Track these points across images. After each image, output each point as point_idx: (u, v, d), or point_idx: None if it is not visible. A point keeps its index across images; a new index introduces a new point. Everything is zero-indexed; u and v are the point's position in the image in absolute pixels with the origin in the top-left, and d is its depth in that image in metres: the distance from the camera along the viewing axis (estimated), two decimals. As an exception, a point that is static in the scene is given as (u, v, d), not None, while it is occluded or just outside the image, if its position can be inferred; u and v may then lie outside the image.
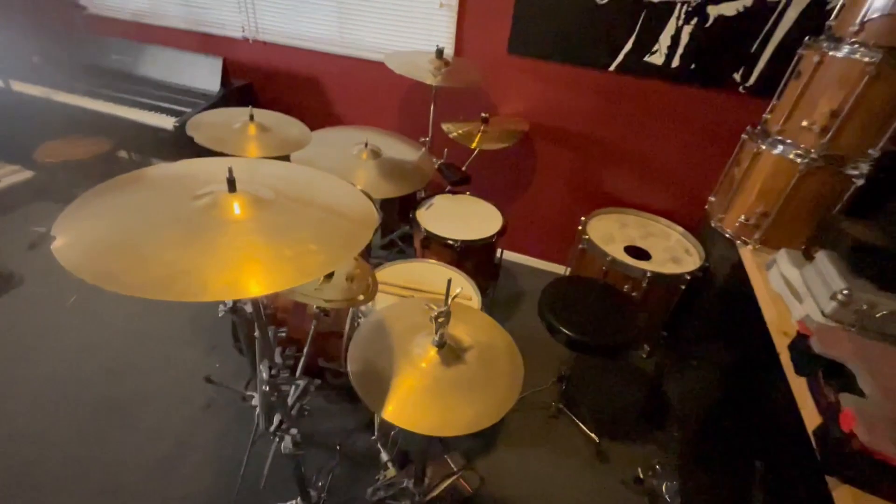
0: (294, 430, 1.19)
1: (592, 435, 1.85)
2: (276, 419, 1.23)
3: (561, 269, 2.73)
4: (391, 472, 1.53)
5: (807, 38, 1.62)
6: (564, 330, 1.56)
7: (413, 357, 1.00)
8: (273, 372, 1.11)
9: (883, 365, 1.13)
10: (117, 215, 0.78)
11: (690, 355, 2.05)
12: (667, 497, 1.62)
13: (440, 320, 0.96)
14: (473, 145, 2.11)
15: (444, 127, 2.18)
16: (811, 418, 1.05)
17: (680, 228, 2.23)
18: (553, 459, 1.79)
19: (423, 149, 2.10)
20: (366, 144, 1.84)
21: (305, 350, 1.45)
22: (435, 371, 0.97)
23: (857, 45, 1.43)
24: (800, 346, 1.18)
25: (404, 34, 2.37)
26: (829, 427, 0.99)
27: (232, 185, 0.80)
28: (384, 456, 1.57)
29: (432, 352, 0.99)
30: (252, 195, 0.82)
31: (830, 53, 1.49)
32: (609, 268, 1.99)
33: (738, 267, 1.77)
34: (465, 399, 0.94)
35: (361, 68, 2.53)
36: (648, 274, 1.90)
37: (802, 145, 1.59)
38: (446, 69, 2.00)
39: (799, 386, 1.14)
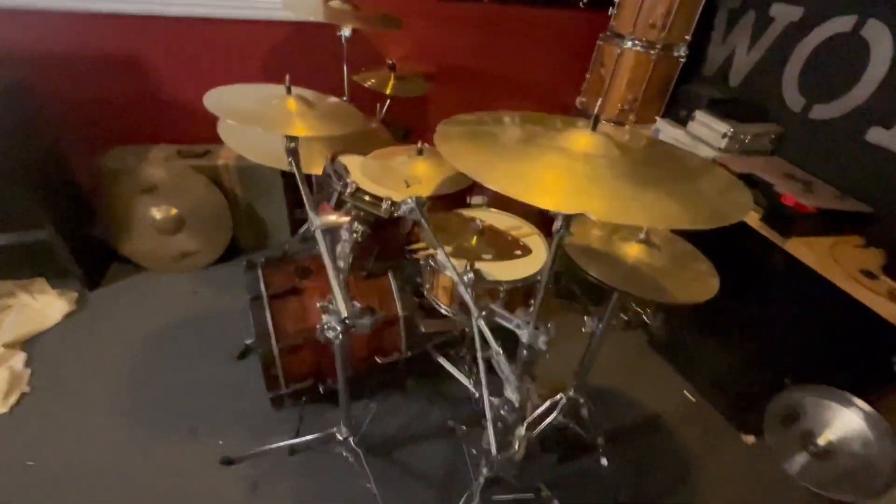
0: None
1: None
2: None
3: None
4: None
5: (629, -43, 2.13)
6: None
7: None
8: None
9: (768, 166, 1.81)
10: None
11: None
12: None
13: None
14: (389, 91, 2.04)
15: (356, 79, 2.01)
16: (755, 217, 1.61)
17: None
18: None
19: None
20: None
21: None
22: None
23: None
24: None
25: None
26: (776, 209, 1.57)
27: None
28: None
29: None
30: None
31: (655, -31, 2.02)
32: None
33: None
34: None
35: (216, 31, 2.02)
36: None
37: (650, 40, 2.15)
38: (356, 13, 1.81)
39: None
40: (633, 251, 1.31)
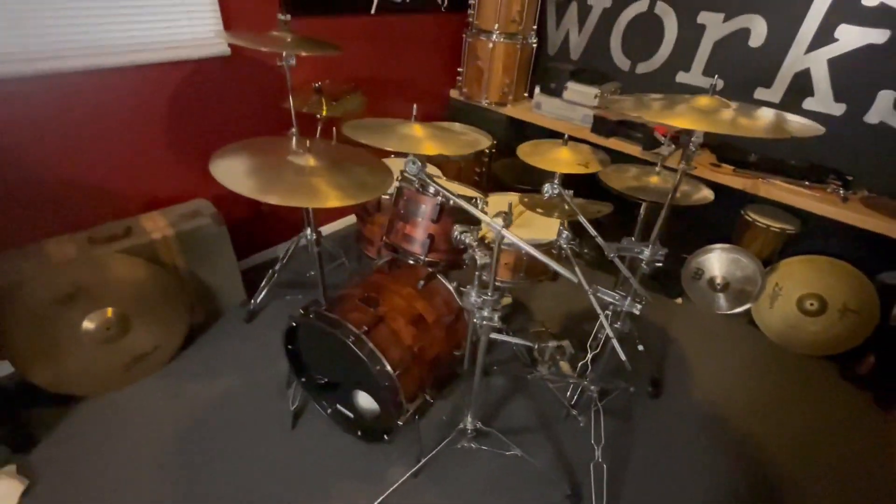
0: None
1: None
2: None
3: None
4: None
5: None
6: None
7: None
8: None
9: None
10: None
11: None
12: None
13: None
14: (325, 112, 2.02)
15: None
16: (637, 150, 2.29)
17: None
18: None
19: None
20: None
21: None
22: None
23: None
24: (607, 125, 2.39)
25: (141, 15, 1.67)
26: (651, 138, 2.25)
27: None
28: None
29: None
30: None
31: (504, -25, 2.48)
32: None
33: (514, 121, 2.82)
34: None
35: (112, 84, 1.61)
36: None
37: (512, 32, 2.63)
38: (294, 37, 1.73)
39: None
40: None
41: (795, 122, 1.12)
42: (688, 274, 2.47)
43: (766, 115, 1.13)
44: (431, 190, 1.34)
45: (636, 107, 1.13)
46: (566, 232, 1.39)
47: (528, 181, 2.60)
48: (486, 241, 1.28)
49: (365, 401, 1.58)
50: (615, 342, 1.11)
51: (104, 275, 1.65)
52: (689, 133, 1.06)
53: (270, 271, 2.17)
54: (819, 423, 1.90)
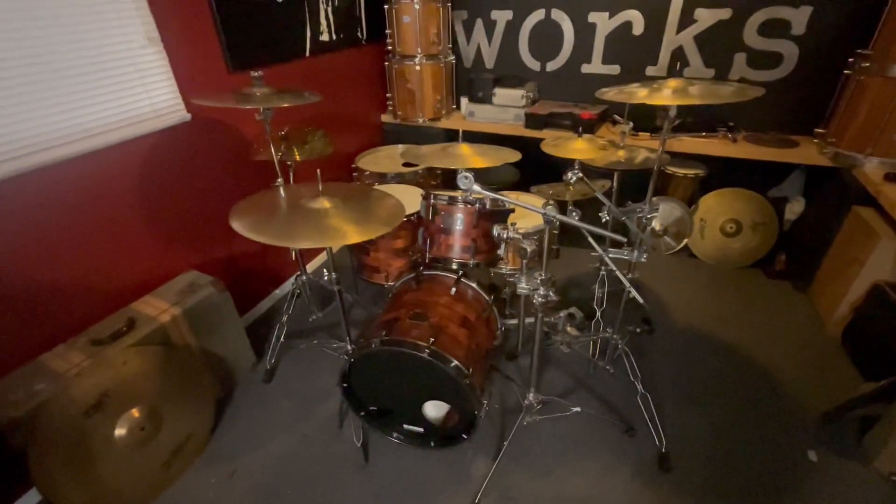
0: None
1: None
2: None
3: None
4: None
5: (390, -1, 2.73)
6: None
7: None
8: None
9: (550, 105, 2.87)
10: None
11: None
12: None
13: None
14: (298, 158, 2.06)
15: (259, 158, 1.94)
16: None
17: (400, 146, 3.13)
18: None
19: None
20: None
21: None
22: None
23: (425, -4, 2.71)
24: (539, 118, 2.72)
25: (103, 93, 1.58)
26: (581, 122, 2.63)
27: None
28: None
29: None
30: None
31: (416, 5, 2.69)
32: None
33: (450, 132, 3.05)
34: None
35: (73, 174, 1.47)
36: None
37: (434, 53, 2.86)
38: (269, 91, 1.76)
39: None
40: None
41: (739, 87, 1.47)
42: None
43: (721, 86, 1.47)
44: (472, 199, 1.49)
45: (629, 97, 1.41)
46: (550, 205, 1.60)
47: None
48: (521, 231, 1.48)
49: (433, 410, 1.67)
50: (633, 290, 1.36)
51: (127, 373, 1.52)
52: (665, 109, 1.37)
53: (277, 325, 2.12)
54: (761, 313, 2.39)
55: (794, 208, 2.68)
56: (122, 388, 1.51)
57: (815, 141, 2.44)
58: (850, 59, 2.20)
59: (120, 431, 1.50)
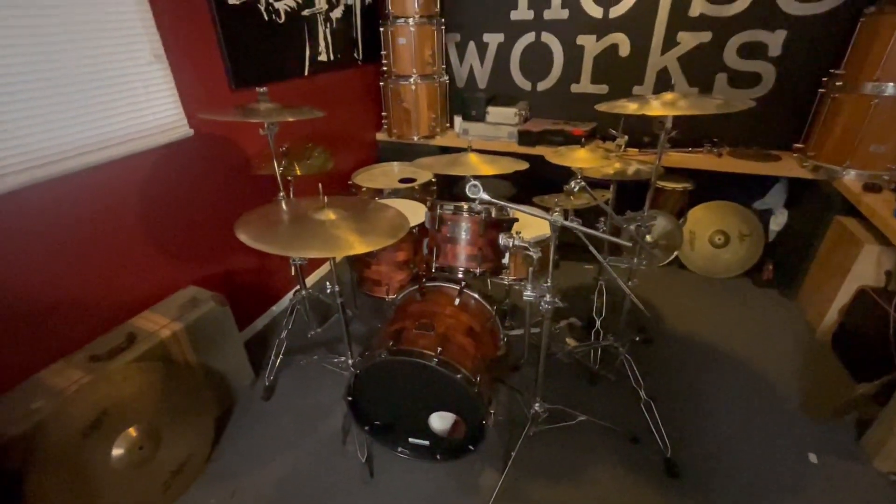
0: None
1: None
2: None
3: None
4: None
5: (382, 21, 2.81)
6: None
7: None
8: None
9: (542, 122, 2.96)
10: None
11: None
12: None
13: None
14: (299, 172, 2.08)
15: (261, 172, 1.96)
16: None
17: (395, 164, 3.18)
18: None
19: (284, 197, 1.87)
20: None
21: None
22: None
23: (418, 18, 2.79)
24: (531, 136, 2.80)
25: (108, 108, 1.59)
26: (571, 138, 2.72)
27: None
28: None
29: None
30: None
31: (411, 28, 2.78)
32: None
33: (446, 149, 3.11)
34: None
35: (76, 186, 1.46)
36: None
37: (428, 73, 2.94)
38: (274, 105, 1.78)
39: (552, 141, 2.81)
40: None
41: (726, 100, 1.56)
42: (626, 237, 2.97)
43: (711, 99, 1.56)
44: (479, 208, 1.52)
45: (625, 109, 1.48)
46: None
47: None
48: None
49: (440, 422, 1.66)
50: (633, 297, 1.40)
51: (126, 390, 1.48)
52: (662, 120, 1.43)
53: (276, 341, 2.10)
54: (753, 321, 2.45)
55: (778, 219, 2.78)
56: (121, 406, 1.47)
57: (795, 156, 2.56)
58: (825, 79, 2.34)
59: (118, 451, 1.45)
